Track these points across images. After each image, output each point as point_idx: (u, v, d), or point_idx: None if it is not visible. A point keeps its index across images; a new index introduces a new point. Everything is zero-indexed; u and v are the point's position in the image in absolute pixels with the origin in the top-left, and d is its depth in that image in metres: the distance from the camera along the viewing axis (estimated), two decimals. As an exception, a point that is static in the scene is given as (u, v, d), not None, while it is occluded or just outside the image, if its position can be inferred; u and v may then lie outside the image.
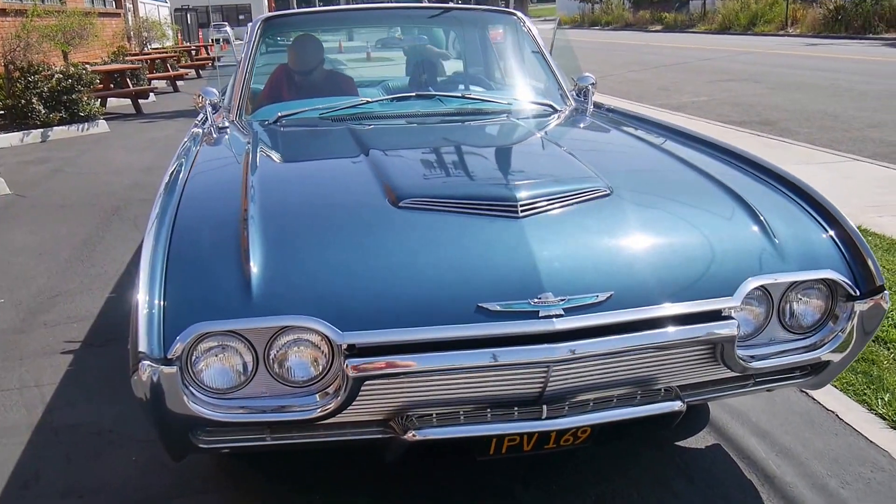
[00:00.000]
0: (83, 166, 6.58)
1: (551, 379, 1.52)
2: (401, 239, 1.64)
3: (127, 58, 12.63)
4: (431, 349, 1.47)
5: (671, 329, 1.54)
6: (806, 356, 1.69)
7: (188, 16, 29.07)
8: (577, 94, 2.98)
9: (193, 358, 1.48)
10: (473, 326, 1.48)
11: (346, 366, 1.45)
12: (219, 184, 2.02)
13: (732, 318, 1.58)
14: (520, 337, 1.49)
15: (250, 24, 3.08)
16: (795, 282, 1.65)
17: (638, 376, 1.61)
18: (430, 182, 1.90)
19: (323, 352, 1.52)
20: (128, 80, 10.34)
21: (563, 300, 1.51)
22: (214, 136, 2.51)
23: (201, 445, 1.57)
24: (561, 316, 1.49)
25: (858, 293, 1.66)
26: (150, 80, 11.93)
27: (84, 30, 10.04)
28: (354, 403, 1.49)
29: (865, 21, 19.44)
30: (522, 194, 1.72)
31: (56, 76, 8.14)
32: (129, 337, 1.53)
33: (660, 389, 1.65)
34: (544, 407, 1.57)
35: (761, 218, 1.75)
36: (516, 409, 1.58)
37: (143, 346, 1.43)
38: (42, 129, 7.97)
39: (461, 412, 1.58)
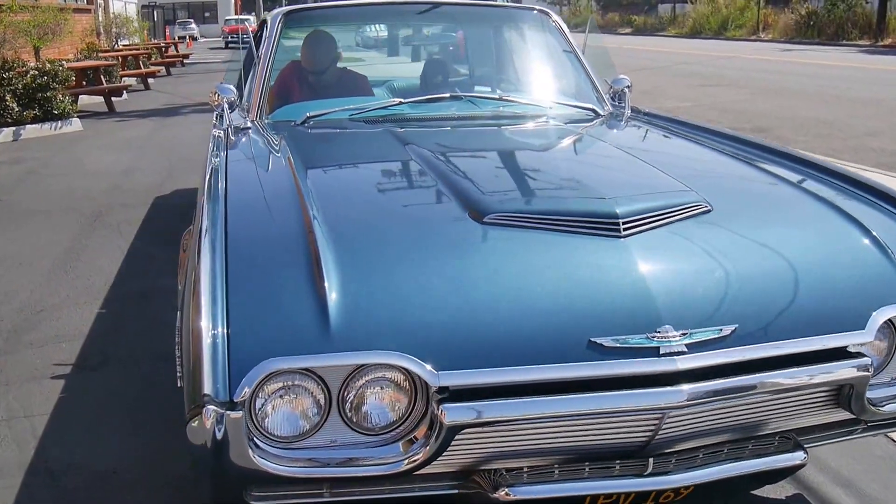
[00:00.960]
0: (59, 168, 6.17)
1: (663, 426, 1.31)
2: (493, 260, 1.42)
3: (99, 54, 12.09)
4: (537, 391, 1.25)
5: (801, 368, 1.34)
6: None
7: (154, 13, 28.25)
8: (612, 98, 2.80)
9: (257, 401, 1.23)
10: (588, 366, 1.27)
11: (441, 411, 1.22)
12: (268, 193, 1.77)
13: (865, 356, 1.38)
14: (635, 378, 1.27)
15: (269, 17, 2.81)
16: None
17: (751, 421, 1.41)
18: (516, 195, 1.69)
19: (407, 393, 1.28)
20: (101, 77, 9.86)
21: (685, 334, 1.30)
22: (241, 138, 2.25)
23: (251, 503, 1.32)
24: (684, 353, 1.28)
25: None
26: (121, 77, 11.44)
27: (58, 25, 9.56)
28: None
29: (839, 27, 19.73)
30: (623, 210, 1.50)
31: (31, 73, 7.71)
32: (180, 372, 1.29)
33: (774, 437, 1.45)
34: (650, 460, 1.36)
35: (878, 239, 1.57)
36: (618, 463, 1.36)
37: (207, 388, 1.18)
38: (14, 128, 7.52)
39: (555, 467, 1.35)
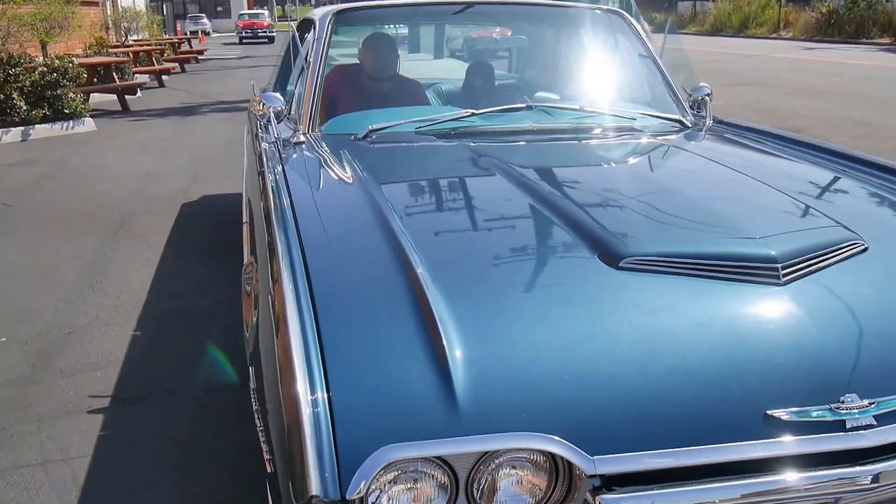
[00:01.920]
0: (74, 171, 5.97)
1: None
2: (640, 316, 1.20)
3: (109, 50, 11.89)
4: (703, 474, 1.05)
5: None
6: None
7: (164, 7, 28.14)
8: (691, 107, 2.57)
9: (372, 494, 1.02)
10: (766, 445, 1.06)
11: (599, 503, 1.01)
12: (348, 223, 1.55)
13: None
14: (817, 455, 1.08)
15: (318, 17, 2.59)
16: None
17: None
18: (652, 234, 1.45)
19: (548, 476, 1.07)
20: (114, 74, 9.66)
21: (872, 404, 1.10)
22: (293, 153, 2.04)
23: None
24: (873, 427, 1.09)
25: None
26: (134, 74, 11.24)
27: (66, 19, 9.34)
28: None
29: (859, 26, 19.51)
30: (780, 252, 1.30)
31: (40, 69, 7.48)
32: (268, 455, 1.07)
33: None
34: None
35: None
36: None
37: (315, 487, 0.96)
38: (23, 128, 7.30)
39: None
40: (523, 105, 2.30)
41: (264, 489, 1.17)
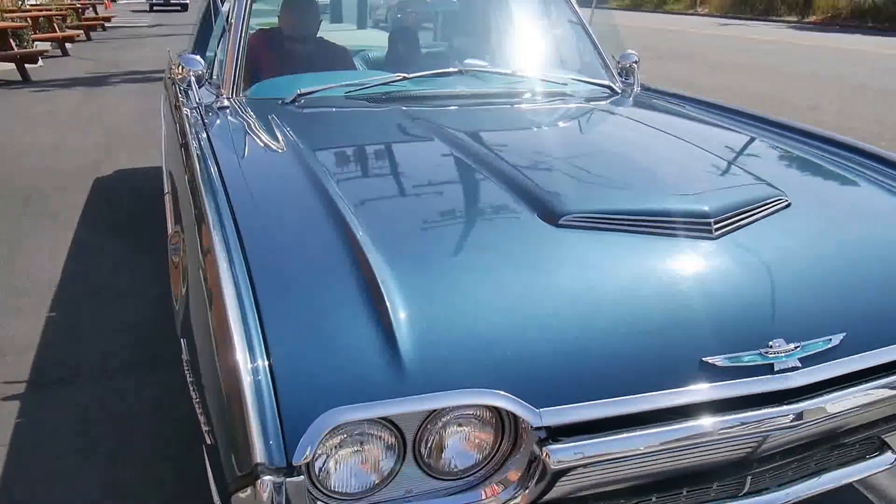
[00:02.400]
0: (-29, 145, 5.50)
1: (766, 442, 1.19)
2: (580, 271, 1.22)
3: (5, 15, 10.94)
4: (646, 420, 1.09)
5: None
6: None
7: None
8: (619, 74, 2.64)
9: (319, 459, 1.00)
10: (703, 390, 1.11)
11: (545, 453, 1.03)
12: (281, 187, 1.49)
13: None
14: (749, 398, 1.14)
15: None
16: None
17: (843, 426, 1.30)
18: (590, 192, 1.48)
19: (494, 431, 1.08)
20: (11, 41, 8.91)
21: (797, 347, 1.17)
22: (217, 119, 1.95)
23: None
24: (798, 369, 1.16)
25: None
26: (34, 41, 10.42)
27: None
28: None
29: (768, 4, 20.76)
30: (713, 207, 1.35)
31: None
32: (207, 427, 1.03)
33: (855, 441, 1.35)
34: (748, 479, 1.24)
35: None
36: (715, 485, 1.23)
37: (260, 455, 0.93)
38: None
39: (653, 495, 1.21)
40: (455, 69, 2.28)
41: (203, 462, 1.12)
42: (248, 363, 0.98)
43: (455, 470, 1.09)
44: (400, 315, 1.07)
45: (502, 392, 1.03)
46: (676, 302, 1.19)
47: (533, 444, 1.05)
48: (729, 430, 1.12)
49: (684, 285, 1.22)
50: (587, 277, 1.21)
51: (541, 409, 1.03)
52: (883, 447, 1.35)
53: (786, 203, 1.47)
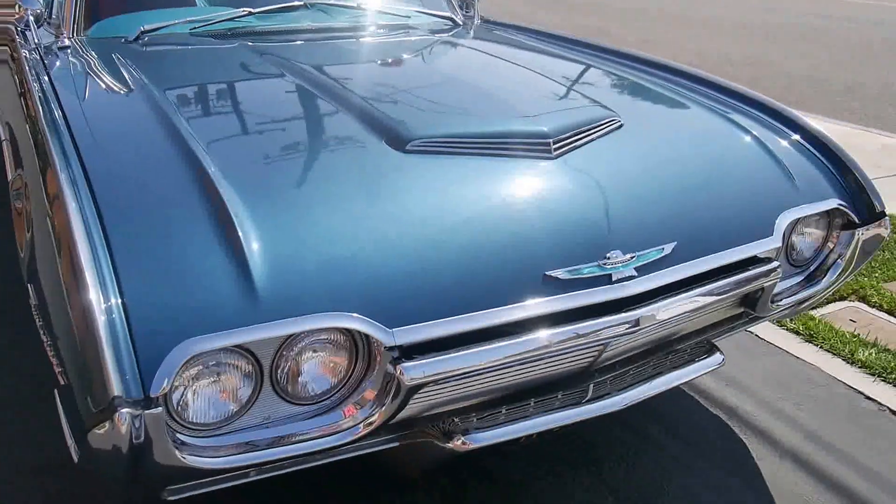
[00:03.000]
0: None
1: (606, 350, 1.32)
2: (427, 195, 1.28)
3: None
4: (495, 334, 1.17)
5: (731, 278, 1.40)
6: (812, 290, 1.67)
7: None
8: (460, 7, 2.71)
9: (176, 390, 1.02)
10: (547, 302, 1.20)
11: (399, 371, 1.10)
12: (127, 125, 1.44)
13: (775, 261, 1.48)
14: (591, 307, 1.24)
15: None
16: (811, 214, 1.59)
17: (675, 333, 1.47)
18: (435, 118, 1.53)
19: (348, 354, 1.14)
20: None
21: (632, 258, 1.29)
22: (57, 61, 1.83)
23: (169, 498, 1.13)
24: (634, 277, 1.28)
25: (860, 221, 1.64)
26: None
27: None
28: None
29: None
30: (551, 128, 1.44)
31: None
32: (59, 367, 1.03)
33: (689, 345, 1.53)
34: (591, 387, 1.37)
35: (766, 145, 1.67)
36: (560, 394, 1.35)
37: (116, 387, 0.94)
38: None
39: (503, 408, 1.31)
40: (300, 2, 2.24)
41: (54, 404, 1.10)
42: (102, 302, 0.98)
43: (312, 394, 1.13)
44: (253, 246, 1.09)
45: (355, 314, 1.08)
46: (519, 220, 1.28)
47: (387, 363, 1.11)
48: (571, 341, 1.22)
49: (526, 204, 1.31)
50: (434, 200, 1.27)
51: (393, 329, 1.09)
52: (712, 349, 1.53)
53: (619, 124, 1.58)
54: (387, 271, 1.14)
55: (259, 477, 1.16)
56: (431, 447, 1.26)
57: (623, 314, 1.25)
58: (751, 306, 1.52)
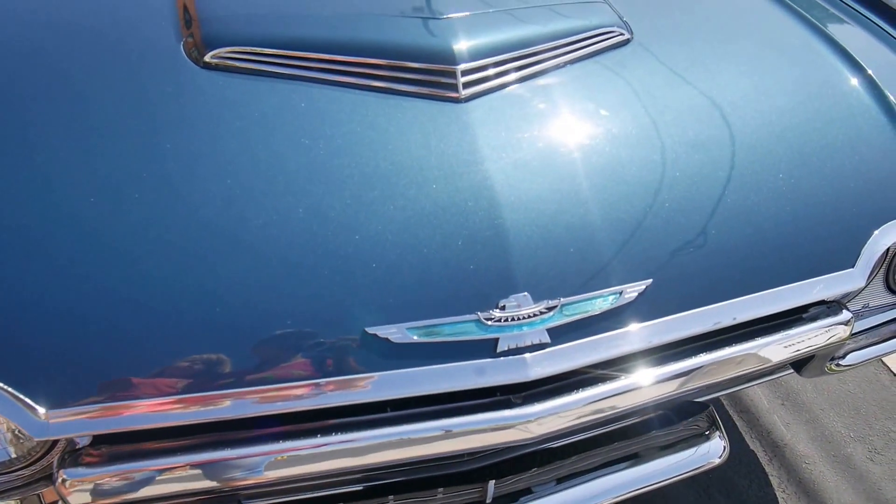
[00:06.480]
0: None
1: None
2: (217, 155, 0.73)
3: None
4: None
5: (750, 346, 0.80)
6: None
7: None
8: None
9: None
10: (346, 389, 0.68)
11: (60, 481, 0.64)
12: None
13: (844, 309, 0.84)
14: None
15: None
16: None
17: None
18: (260, 11, 0.88)
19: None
20: None
21: (549, 309, 0.72)
22: None
23: None
24: (544, 347, 0.73)
25: None
26: None
27: None
28: None
29: None
30: (468, 46, 0.81)
31: None
32: None
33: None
34: (490, 486, 0.86)
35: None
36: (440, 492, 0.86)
37: None
38: None
39: None
40: None
41: None
42: None
43: None
44: None
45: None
46: (352, 223, 0.70)
47: (52, 462, 0.65)
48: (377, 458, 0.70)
49: (379, 193, 0.72)
50: (219, 165, 0.71)
51: (51, 412, 0.62)
52: (711, 428, 0.95)
53: (622, 37, 0.90)
54: (80, 313, 0.64)
55: None
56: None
57: (497, 417, 0.70)
58: (795, 368, 0.92)
